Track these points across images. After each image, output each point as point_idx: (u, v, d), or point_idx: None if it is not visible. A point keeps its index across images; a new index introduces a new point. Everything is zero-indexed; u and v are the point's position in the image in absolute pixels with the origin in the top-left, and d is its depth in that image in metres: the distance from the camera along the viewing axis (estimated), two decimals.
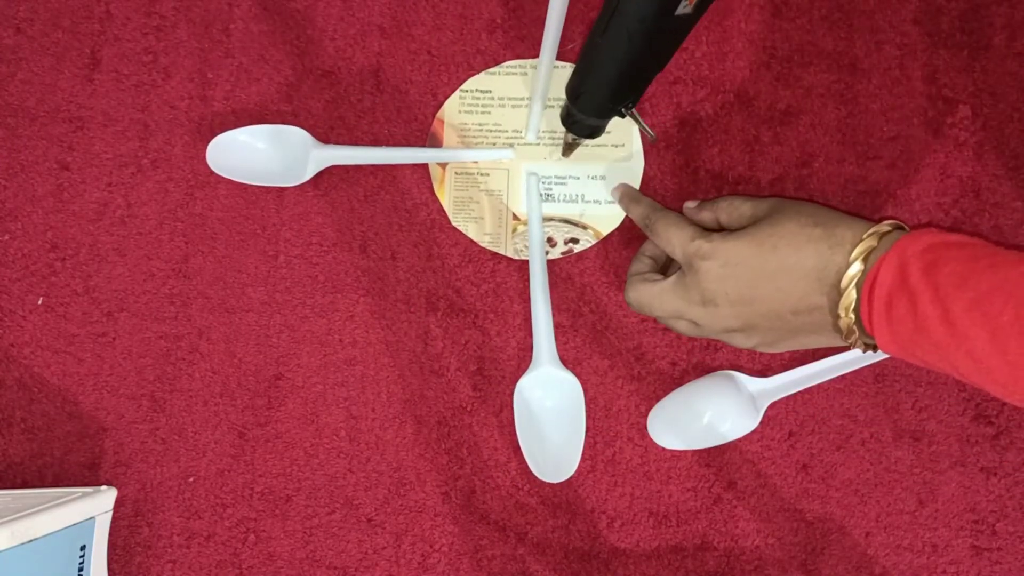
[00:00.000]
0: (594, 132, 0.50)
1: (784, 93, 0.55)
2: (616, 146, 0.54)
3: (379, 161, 0.54)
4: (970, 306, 0.33)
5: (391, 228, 0.55)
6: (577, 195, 0.54)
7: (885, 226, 0.39)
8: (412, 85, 0.56)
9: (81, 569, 0.48)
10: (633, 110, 0.47)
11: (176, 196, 0.55)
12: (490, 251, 0.54)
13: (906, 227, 0.40)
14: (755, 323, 0.42)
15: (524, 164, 0.55)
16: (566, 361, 0.52)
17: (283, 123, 0.55)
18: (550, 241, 0.54)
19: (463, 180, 0.55)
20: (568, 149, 0.53)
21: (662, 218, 0.46)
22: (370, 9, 0.57)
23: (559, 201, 0.54)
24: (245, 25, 0.57)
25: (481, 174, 0.55)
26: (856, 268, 0.38)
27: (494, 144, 0.55)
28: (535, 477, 0.50)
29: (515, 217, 0.54)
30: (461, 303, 0.54)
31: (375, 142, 0.55)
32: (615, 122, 0.54)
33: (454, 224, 0.54)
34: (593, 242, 0.54)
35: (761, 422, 0.51)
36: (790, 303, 0.41)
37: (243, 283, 0.54)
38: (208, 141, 0.55)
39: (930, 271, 0.35)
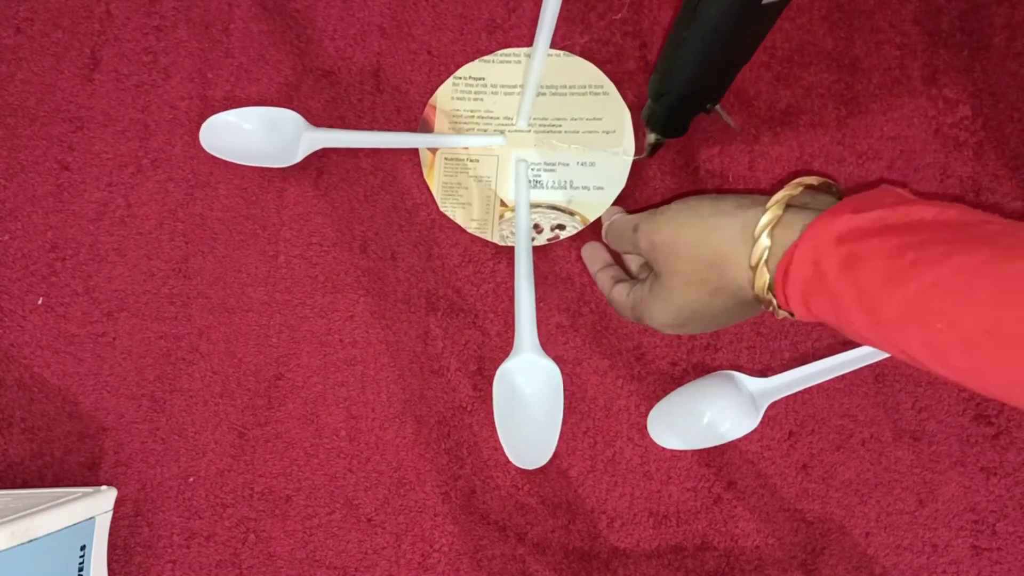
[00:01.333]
0: (677, 130, 0.49)
1: (784, 93, 0.55)
2: (607, 132, 0.54)
3: (370, 145, 0.55)
4: (901, 312, 0.31)
5: (391, 228, 0.55)
6: (566, 182, 0.54)
7: (794, 188, 0.37)
8: (412, 85, 0.56)
9: (81, 569, 0.48)
10: (717, 105, 0.46)
11: (176, 196, 0.55)
12: (490, 251, 0.54)
13: (814, 181, 0.38)
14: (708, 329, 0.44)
15: (514, 151, 0.55)
16: (566, 361, 0.52)
17: None
18: (536, 228, 0.54)
19: (452, 166, 0.55)
20: (653, 150, 0.52)
21: (600, 283, 0.49)
22: (370, 9, 0.57)
23: (547, 188, 0.54)
24: (245, 25, 0.57)
25: (471, 160, 0.55)
26: (764, 243, 0.35)
27: (485, 131, 0.55)
28: (535, 477, 0.50)
29: (503, 203, 0.54)
30: (461, 303, 0.54)
31: None
32: (607, 108, 0.54)
33: (442, 210, 0.54)
34: (580, 228, 0.53)
35: (761, 422, 0.51)
36: (725, 318, 0.42)
37: (243, 283, 0.54)
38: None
39: (849, 268, 0.32)
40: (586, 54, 0.55)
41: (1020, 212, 0.53)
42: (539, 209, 0.54)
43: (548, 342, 0.53)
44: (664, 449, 0.52)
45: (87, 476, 0.53)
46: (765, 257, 0.35)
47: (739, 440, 0.52)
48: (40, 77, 0.57)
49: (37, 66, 0.57)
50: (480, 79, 0.55)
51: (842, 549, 0.51)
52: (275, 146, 0.54)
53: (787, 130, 0.54)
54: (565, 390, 0.50)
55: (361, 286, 0.54)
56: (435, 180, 0.55)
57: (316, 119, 0.56)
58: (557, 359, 0.51)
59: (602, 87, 0.55)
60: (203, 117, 0.56)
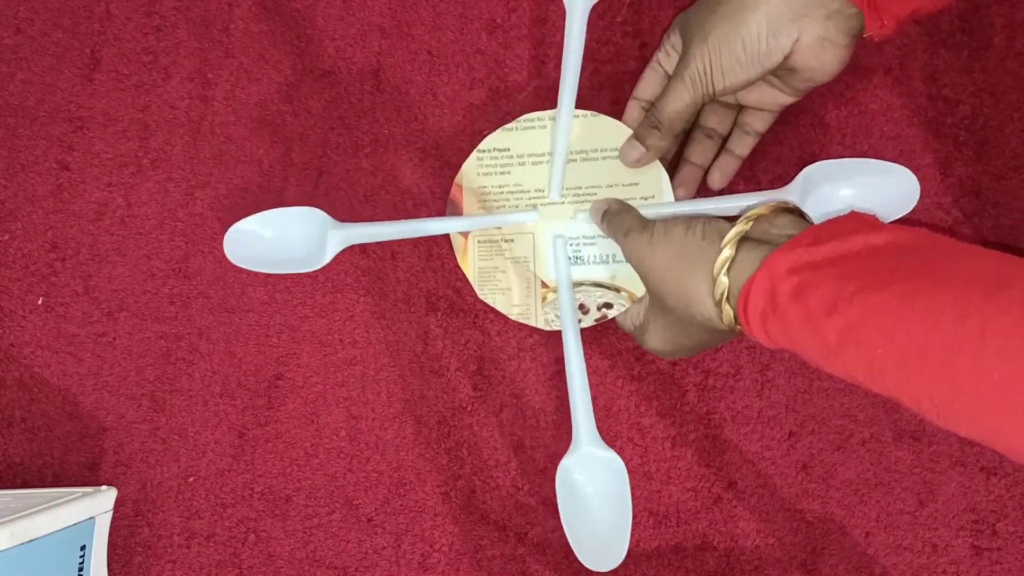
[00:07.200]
0: None
1: None
2: (646, 198, 0.50)
3: (399, 236, 0.51)
4: (843, 335, 0.33)
5: None
6: (608, 256, 0.50)
7: (745, 223, 0.40)
8: (412, 85, 0.56)
9: (81, 569, 0.48)
10: None
11: (176, 196, 0.55)
12: None
13: (765, 211, 0.41)
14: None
15: (549, 225, 0.51)
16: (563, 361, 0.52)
17: (283, 124, 0.55)
18: (582, 308, 0.50)
19: (487, 248, 0.51)
20: None
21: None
22: (370, 9, 0.57)
23: (589, 263, 0.50)
24: (245, 25, 0.57)
25: (505, 240, 0.51)
26: (723, 282, 0.38)
27: (516, 206, 0.51)
28: (535, 477, 0.50)
29: (544, 285, 0.51)
30: (461, 303, 0.54)
31: (375, 142, 0.55)
32: (643, 171, 0.51)
33: (480, 297, 0.51)
34: (627, 305, 0.50)
35: (761, 422, 0.51)
36: (708, 342, 0.45)
37: (243, 283, 0.54)
38: (208, 141, 0.55)
39: (798, 296, 0.35)
40: (586, 54, 0.55)
41: (1020, 212, 0.53)
42: (582, 288, 0.50)
43: (548, 342, 0.53)
44: (664, 449, 0.52)
45: (87, 476, 0.53)
46: (726, 294, 0.38)
47: (739, 440, 0.52)
48: (40, 77, 0.57)
49: (37, 66, 0.57)
50: (504, 150, 0.51)
51: (842, 549, 0.51)
52: (301, 251, 0.50)
53: (787, 130, 0.54)
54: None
55: (361, 286, 0.54)
56: (471, 266, 0.51)
57: (316, 119, 0.56)
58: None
59: None
60: (203, 117, 0.56)
